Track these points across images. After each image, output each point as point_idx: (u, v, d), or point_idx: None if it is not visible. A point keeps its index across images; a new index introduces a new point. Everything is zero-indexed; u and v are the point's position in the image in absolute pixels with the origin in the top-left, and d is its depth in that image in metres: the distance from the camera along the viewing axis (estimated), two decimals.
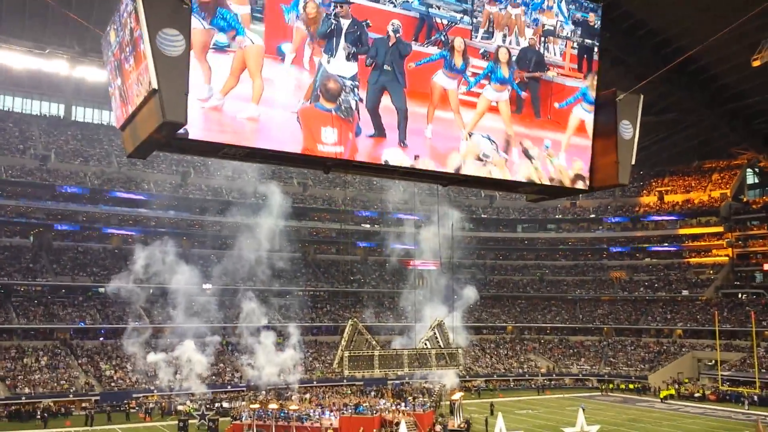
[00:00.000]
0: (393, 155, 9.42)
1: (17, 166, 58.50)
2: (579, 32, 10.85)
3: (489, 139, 10.15)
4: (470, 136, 10.06)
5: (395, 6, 9.24)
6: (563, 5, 10.68)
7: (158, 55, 7.69)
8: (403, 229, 67.00)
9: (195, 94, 8.07)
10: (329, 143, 8.79)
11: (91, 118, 69.45)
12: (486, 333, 69.87)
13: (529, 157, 10.73)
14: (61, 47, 46.97)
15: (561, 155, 11.05)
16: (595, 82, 11.24)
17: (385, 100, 9.19)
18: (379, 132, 9.20)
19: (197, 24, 8.14)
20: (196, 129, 8.41)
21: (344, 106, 8.83)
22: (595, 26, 10.99)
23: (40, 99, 66.99)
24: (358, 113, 9.04)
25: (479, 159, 10.15)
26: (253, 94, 8.48)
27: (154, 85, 7.71)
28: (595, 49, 11.24)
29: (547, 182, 10.95)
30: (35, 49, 46.02)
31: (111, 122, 65.84)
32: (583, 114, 11.15)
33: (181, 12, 7.84)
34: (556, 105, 10.83)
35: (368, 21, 9.03)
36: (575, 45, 10.90)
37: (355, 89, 8.94)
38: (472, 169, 10.19)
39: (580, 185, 11.60)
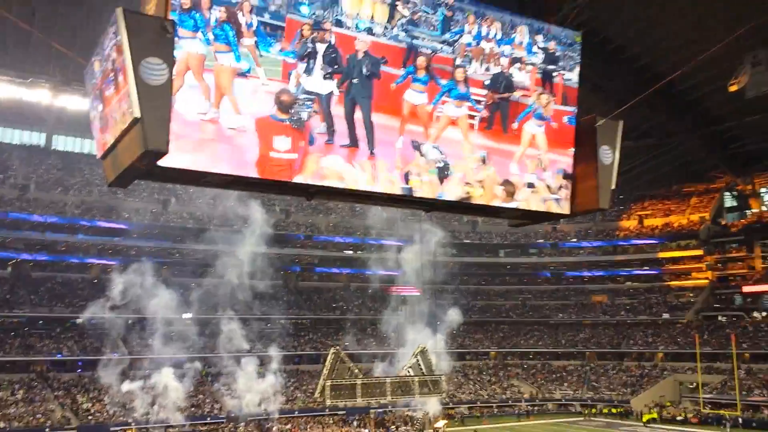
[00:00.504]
0: (338, 163, 10.00)
1: None
2: (542, 58, 11.82)
3: (439, 150, 10.90)
4: (420, 146, 10.71)
5: (387, 38, 10.08)
6: (534, 44, 11.73)
7: (141, 84, 7.71)
8: (386, 255, 66.87)
9: (196, 108, 8.70)
10: (282, 150, 9.40)
11: (72, 147, 69.03)
12: (469, 359, 69.64)
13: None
14: (44, 76, 46.81)
15: (513, 165, 11.76)
16: (544, 100, 11.91)
17: (357, 113, 10.02)
18: (353, 142, 9.92)
19: (197, 45, 8.70)
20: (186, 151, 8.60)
21: (296, 117, 9.42)
22: (556, 53, 11.94)
23: (21, 128, 66.48)
24: (333, 123, 9.78)
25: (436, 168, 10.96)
26: (233, 107, 9.03)
27: (137, 114, 7.71)
28: (555, 74, 11.99)
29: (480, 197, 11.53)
30: (17, 78, 45.83)
31: (92, 151, 65.40)
32: (534, 128, 11.88)
33: (165, 41, 7.89)
34: (514, 124, 11.70)
35: (385, 58, 10.07)
36: (539, 70, 11.83)
37: (308, 102, 9.60)
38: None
39: (514, 202, 11.88)
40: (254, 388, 49.07)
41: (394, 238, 65.56)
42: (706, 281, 71.43)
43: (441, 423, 42.49)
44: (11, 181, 60.30)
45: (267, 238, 62.33)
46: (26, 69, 49.00)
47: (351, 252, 71.82)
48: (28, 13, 44.10)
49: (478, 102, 11.10)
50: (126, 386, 47.18)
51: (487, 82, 11.16)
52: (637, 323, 71.07)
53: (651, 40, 50.53)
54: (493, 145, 11.40)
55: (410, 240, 60.13)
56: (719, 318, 68.96)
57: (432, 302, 58.15)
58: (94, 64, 9.13)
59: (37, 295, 56.10)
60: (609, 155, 12.43)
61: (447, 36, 10.77)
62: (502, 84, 11.39)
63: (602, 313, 73.63)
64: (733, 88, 43.62)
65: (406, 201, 12.10)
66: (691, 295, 71.26)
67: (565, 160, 12.22)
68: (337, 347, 35.95)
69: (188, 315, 56.89)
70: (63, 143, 68.76)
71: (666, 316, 69.84)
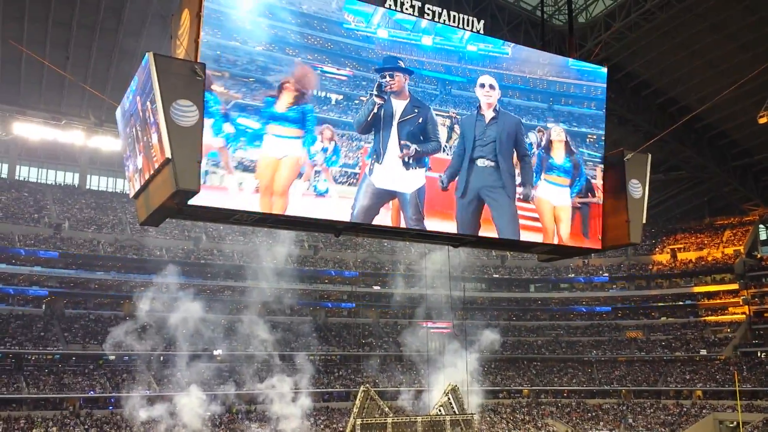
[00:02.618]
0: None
1: (31, 234, 59.05)
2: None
3: None
4: None
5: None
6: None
7: (172, 126, 7.87)
8: (415, 291, 66.58)
9: None
10: None
11: (105, 186, 70.42)
12: (502, 397, 68.40)
13: None
14: (77, 118, 48.07)
15: None
16: None
17: None
18: None
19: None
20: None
21: None
22: None
23: (56, 168, 68.13)
24: None
25: None
26: None
27: (168, 155, 7.86)
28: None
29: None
30: (52, 121, 47.11)
31: (125, 190, 66.72)
32: None
33: (195, 84, 8.05)
34: None
35: None
36: None
37: None
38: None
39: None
40: (284, 425, 48.72)
41: (423, 274, 65.24)
42: (744, 316, 69.70)
43: None
44: (46, 220, 61.53)
45: (296, 274, 62.90)
46: (61, 111, 50.46)
47: (379, 288, 71.57)
48: (62, 57, 45.58)
49: None
50: (144, 414, 47.37)
51: None
52: (673, 360, 69.39)
53: (675, 74, 50.45)
54: None
55: (439, 275, 59.80)
56: (758, 354, 67.07)
57: (462, 338, 57.49)
58: (125, 105, 9.35)
59: (70, 333, 56.75)
60: (638, 189, 12.34)
61: None
62: None
63: (637, 349, 72.05)
64: (762, 120, 43.25)
65: (434, 237, 12.11)
66: (729, 330, 69.53)
67: None
68: (367, 385, 35.67)
69: (218, 351, 57.10)
70: (96, 182, 70.16)
71: (703, 352, 68.12)
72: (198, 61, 8.42)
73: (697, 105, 40.72)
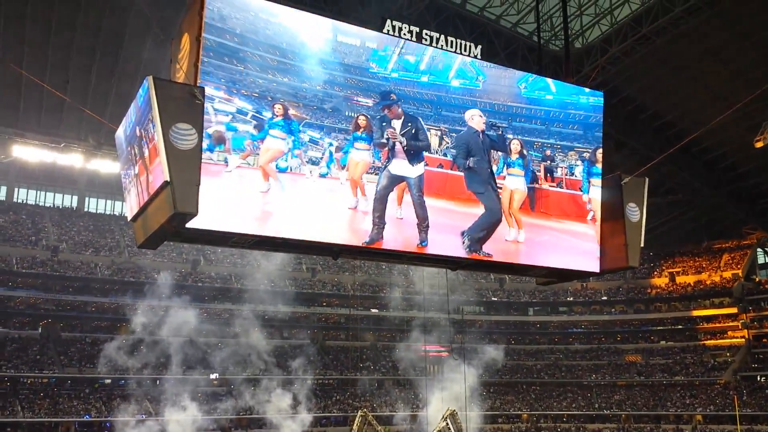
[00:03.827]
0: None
1: (29, 257, 58.90)
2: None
3: None
4: None
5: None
6: None
7: (171, 149, 7.91)
8: (413, 314, 66.33)
9: None
10: None
11: (103, 209, 70.41)
12: (501, 422, 67.82)
13: None
14: (77, 141, 48.21)
15: None
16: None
17: None
18: None
19: None
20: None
21: None
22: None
23: (54, 191, 68.13)
24: None
25: None
26: None
27: (166, 178, 7.88)
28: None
29: None
30: (51, 143, 47.22)
31: (123, 212, 66.64)
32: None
33: (194, 107, 8.11)
34: None
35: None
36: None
37: None
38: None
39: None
40: None
41: (421, 297, 65.04)
42: (743, 340, 69.47)
43: None
44: (44, 243, 61.41)
45: (293, 297, 62.71)
46: (60, 134, 50.60)
47: (377, 311, 71.29)
48: (62, 81, 45.84)
49: None
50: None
51: None
52: (673, 384, 68.97)
53: (672, 98, 50.83)
54: None
55: (437, 298, 59.64)
56: (758, 378, 66.72)
57: (461, 362, 57.19)
58: (124, 128, 9.40)
59: (66, 356, 56.35)
60: (636, 213, 12.40)
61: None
62: None
63: (637, 373, 71.64)
64: (758, 145, 43.53)
65: (432, 260, 12.18)
66: (728, 354, 69.24)
67: None
68: (365, 409, 35.44)
69: (215, 375, 56.71)
70: (95, 205, 70.16)
71: (703, 376, 67.74)
72: (197, 84, 8.49)
73: (694, 129, 40.90)
